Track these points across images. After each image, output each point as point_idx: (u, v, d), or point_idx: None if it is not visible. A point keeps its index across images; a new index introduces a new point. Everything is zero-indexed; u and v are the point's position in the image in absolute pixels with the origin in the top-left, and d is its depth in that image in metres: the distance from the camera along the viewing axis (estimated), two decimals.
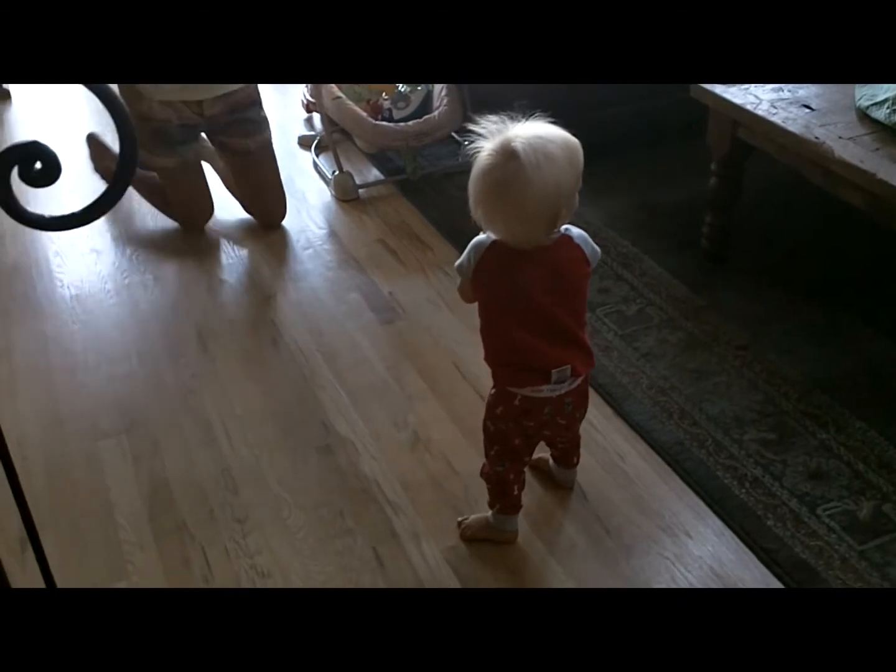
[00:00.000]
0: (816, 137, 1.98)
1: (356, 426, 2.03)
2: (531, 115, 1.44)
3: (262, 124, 2.63)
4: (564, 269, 1.50)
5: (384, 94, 2.86)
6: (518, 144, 1.38)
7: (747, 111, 2.11)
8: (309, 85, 3.11)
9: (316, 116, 3.28)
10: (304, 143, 3.13)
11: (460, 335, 2.26)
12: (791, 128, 2.02)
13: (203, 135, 2.67)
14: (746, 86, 2.19)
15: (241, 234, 2.74)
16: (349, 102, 2.75)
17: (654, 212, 2.66)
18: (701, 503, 1.78)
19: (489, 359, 1.60)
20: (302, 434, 2.02)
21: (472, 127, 1.44)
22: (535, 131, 1.41)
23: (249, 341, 2.31)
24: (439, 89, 2.80)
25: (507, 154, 1.39)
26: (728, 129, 2.20)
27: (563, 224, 1.48)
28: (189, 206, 2.71)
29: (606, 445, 1.95)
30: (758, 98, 2.14)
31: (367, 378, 2.17)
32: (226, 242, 2.71)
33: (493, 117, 1.44)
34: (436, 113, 2.74)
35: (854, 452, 1.86)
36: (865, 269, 2.41)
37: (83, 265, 2.61)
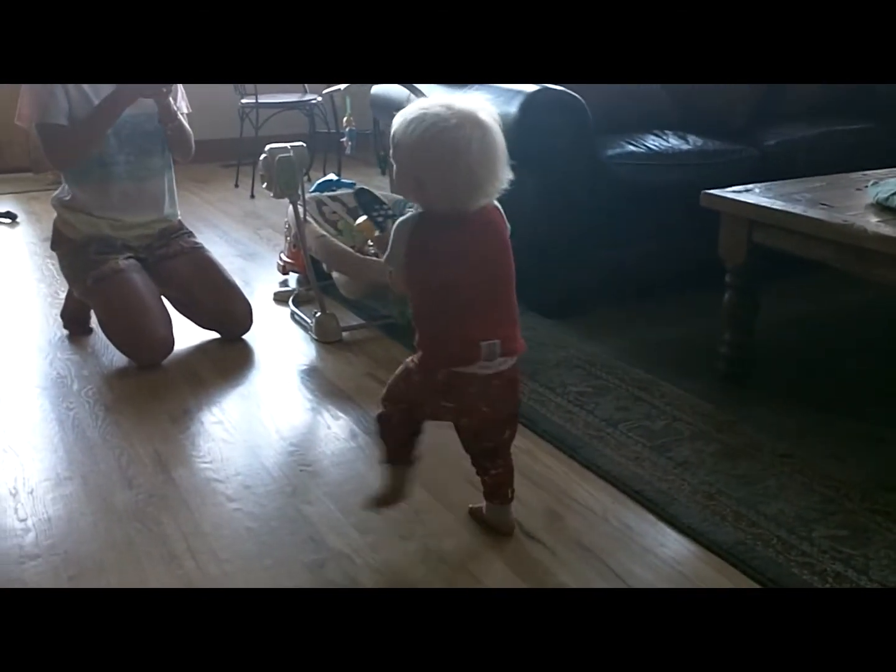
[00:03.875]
0: (845, 220, 1.89)
1: (351, 539, 1.71)
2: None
3: (189, 235, 2.74)
4: (496, 228, 1.53)
5: (369, 240, 2.75)
6: (478, 108, 1.44)
7: (766, 208, 2.03)
8: (289, 239, 3.01)
9: (292, 277, 3.15)
10: (279, 298, 2.97)
11: None
12: (816, 216, 1.94)
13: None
14: (758, 190, 2.14)
15: (208, 369, 2.49)
16: (334, 239, 2.63)
17: (663, 346, 2.50)
18: None
19: (422, 342, 1.57)
20: (286, 549, 1.69)
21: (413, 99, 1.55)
22: (476, 102, 1.47)
23: (218, 462, 2.00)
24: None
25: (469, 117, 1.43)
26: (743, 234, 2.10)
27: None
28: (128, 330, 2.48)
29: (657, 551, 1.64)
30: (771, 199, 2.08)
31: (362, 493, 1.85)
32: (190, 376, 2.45)
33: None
34: None
35: None
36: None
37: (23, 400, 2.31)
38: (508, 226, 1.56)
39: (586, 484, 1.88)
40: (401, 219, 1.53)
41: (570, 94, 2.61)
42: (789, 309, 2.72)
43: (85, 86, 2.45)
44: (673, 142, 2.86)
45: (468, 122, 1.42)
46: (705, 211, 2.19)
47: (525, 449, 2.01)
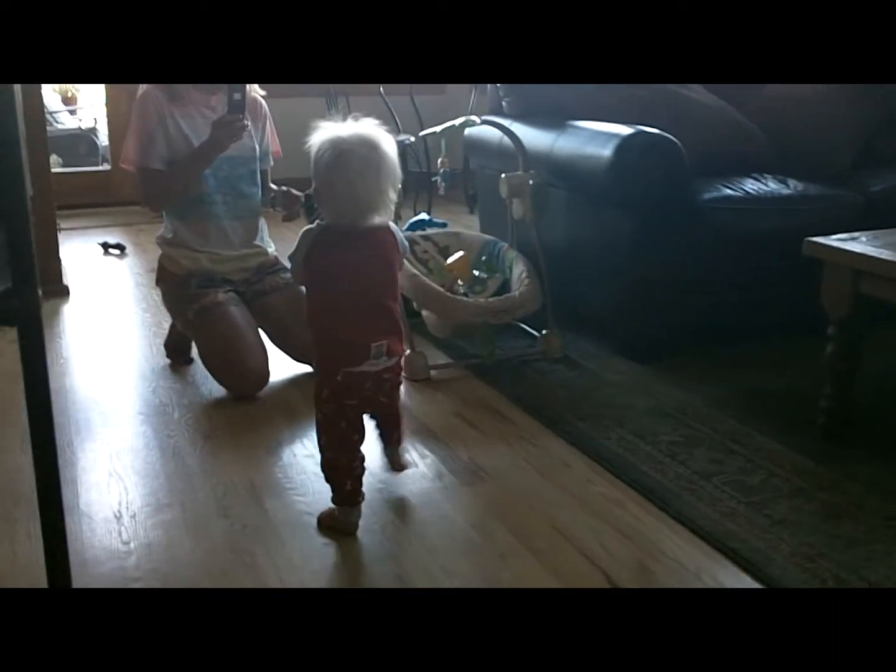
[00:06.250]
0: None
1: (437, 580, 1.71)
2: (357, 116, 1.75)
3: (284, 272, 2.78)
4: (381, 249, 1.77)
5: (459, 280, 2.77)
6: (374, 134, 1.70)
7: (873, 258, 1.97)
8: None
9: None
10: None
11: (557, 499, 1.98)
12: None
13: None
14: (864, 238, 2.08)
15: (301, 402, 2.53)
16: (426, 279, 2.66)
17: (758, 396, 2.44)
18: None
19: (317, 342, 1.80)
20: (374, 587, 1.70)
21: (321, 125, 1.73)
22: (372, 129, 1.72)
23: (310, 495, 2.03)
24: (518, 272, 2.72)
25: (366, 142, 1.69)
26: (849, 284, 2.04)
27: (389, 213, 1.76)
28: (227, 361, 2.55)
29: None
30: (878, 249, 2.01)
31: (448, 534, 1.86)
32: (284, 408, 2.49)
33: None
34: (516, 292, 2.63)
35: None
36: None
37: (127, 426, 2.40)
38: (406, 246, 1.86)
39: (677, 538, 1.84)
40: (307, 227, 1.79)
41: (666, 137, 2.60)
42: (894, 361, 2.63)
43: (185, 128, 2.56)
44: (772, 186, 2.81)
45: (353, 140, 1.68)
46: (804, 257, 2.13)
47: (613, 498, 1.99)
